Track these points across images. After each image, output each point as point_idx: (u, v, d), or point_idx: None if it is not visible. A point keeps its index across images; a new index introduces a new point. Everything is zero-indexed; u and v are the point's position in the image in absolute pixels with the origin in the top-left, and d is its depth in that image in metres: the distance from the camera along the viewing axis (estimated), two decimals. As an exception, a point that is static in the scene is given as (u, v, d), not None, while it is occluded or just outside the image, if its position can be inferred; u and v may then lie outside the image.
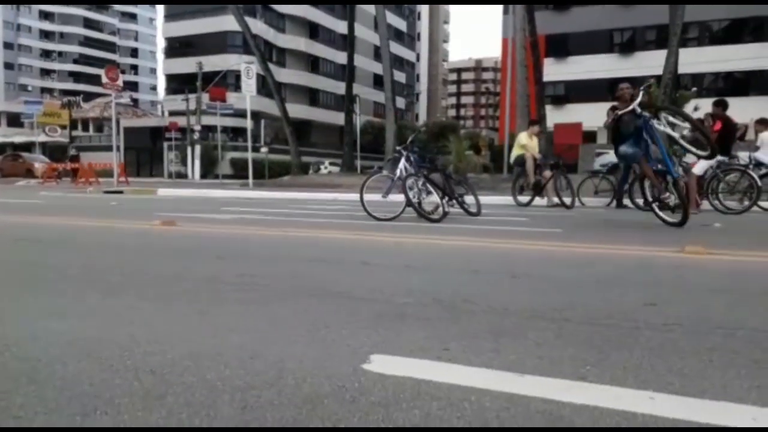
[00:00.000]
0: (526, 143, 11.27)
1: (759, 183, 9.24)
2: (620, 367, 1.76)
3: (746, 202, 9.18)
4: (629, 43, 39.87)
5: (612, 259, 4.28)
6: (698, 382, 1.63)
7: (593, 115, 33.04)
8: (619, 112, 6.72)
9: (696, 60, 32.07)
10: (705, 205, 9.46)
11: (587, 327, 2.23)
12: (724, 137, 9.24)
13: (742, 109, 16.54)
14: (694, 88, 32.38)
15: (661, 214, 6.63)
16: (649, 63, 30.09)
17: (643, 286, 3.13)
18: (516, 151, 11.58)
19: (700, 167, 9.36)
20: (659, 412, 1.43)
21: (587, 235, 5.89)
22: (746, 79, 35.25)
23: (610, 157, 14.19)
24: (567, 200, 10.45)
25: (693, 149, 6.40)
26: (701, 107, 23.60)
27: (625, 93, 7.19)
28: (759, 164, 9.93)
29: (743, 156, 10.26)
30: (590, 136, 33.29)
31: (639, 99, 6.51)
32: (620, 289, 3.03)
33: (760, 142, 10.23)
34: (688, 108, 27.36)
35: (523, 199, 11.13)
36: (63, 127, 43.46)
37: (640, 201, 9.87)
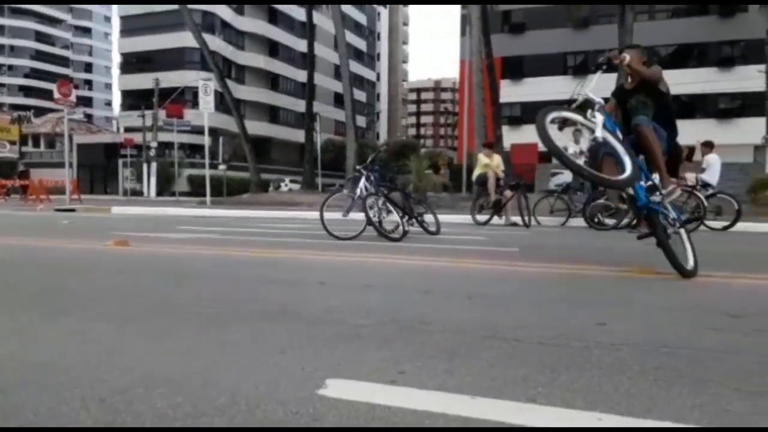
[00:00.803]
0: (489, 162, 11.48)
1: (705, 203, 9.61)
2: (570, 388, 1.80)
3: (694, 223, 9.52)
4: (582, 66, 40.98)
5: (565, 278, 4.38)
6: (644, 402, 1.68)
7: (549, 136, 33.89)
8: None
9: (645, 83, 33.23)
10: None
11: (539, 347, 2.28)
12: (671, 159, 9.60)
13: (688, 132, 17.19)
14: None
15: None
16: (601, 85, 31.04)
17: (594, 305, 3.21)
18: (478, 171, 11.78)
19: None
20: (606, 432, 1.47)
21: (542, 254, 6.01)
22: (692, 102, 36.69)
23: (565, 177, 14.56)
24: (519, 219, 10.71)
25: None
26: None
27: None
28: (705, 185, 10.33)
29: (690, 177, 10.66)
30: (546, 157, 34.03)
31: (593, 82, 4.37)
32: (572, 309, 3.10)
33: (706, 164, 10.66)
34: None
35: (482, 218, 11.29)
36: (12, 142, 42.16)
37: (594, 220, 10.19)
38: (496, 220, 11.21)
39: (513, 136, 32.56)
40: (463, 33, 40.36)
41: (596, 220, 10.19)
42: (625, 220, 10.02)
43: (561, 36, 39.74)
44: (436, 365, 2.02)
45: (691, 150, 11.02)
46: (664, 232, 4.21)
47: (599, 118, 4.08)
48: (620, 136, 4.30)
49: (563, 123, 4.28)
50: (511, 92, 38.84)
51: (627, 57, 4.34)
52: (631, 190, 4.29)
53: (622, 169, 4.09)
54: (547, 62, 40.23)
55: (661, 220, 4.28)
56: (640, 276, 4.31)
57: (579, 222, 10.74)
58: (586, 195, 10.92)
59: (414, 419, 1.53)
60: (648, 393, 1.76)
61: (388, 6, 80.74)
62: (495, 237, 8.31)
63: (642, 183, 4.30)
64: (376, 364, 2.04)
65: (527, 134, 36.56)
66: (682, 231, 4.45)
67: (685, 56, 38.11)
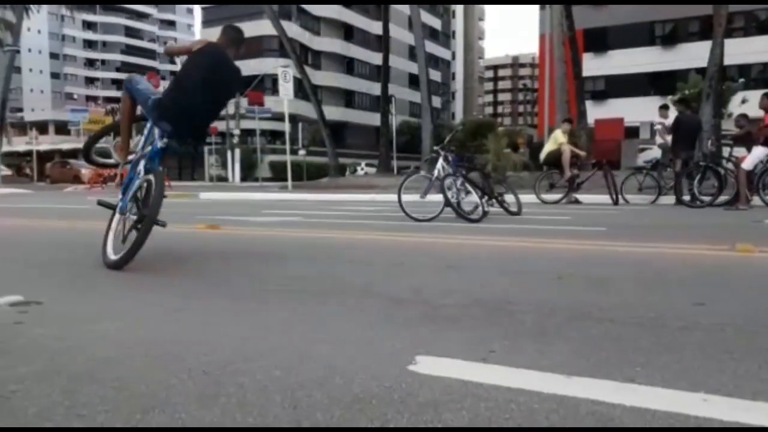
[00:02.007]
0: (564, 141, 11.07)
1: None
2: (670, 368, 1.74)
3: None
4: (671, 35, 38.85)
5: (659, 257, 4.20)
6: (753, 384, 1.60)
7: (635, 110, 32.40)
8: None
9: (743, 50, 31.06)
10: (756, 200, 9.17)
11: (635, 327, 2.20)
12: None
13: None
14: (741, 80, 31.39)
15: None
16: (693, 55, 29.28)
17: (691, 285, 3.06)
18: (550, 147, 11.36)
19: (749, 162, 9.09)
20: (713, 414, 1.40)
21: (633, 234, 5.78)
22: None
23: (654, 153, 13.92)
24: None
25: None
26: (749, 99, 22.90)
27: None
28: None
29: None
30: (633, 132, 32.58)
31: None
32: (668, 289, 2.97)
33: None
34: (735, 101, 26.61)
35: (549, 197, 10.96)
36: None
37: (687, 198, 9.68)
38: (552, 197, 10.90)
39: (597, 111, 31.30)
40: (542, 6, 39.02)
41: (691, 197, 9.66)
42: (723, 197, 9.47)
43: (647, 4, 37.61)
44: (527, 345, 2.00)
45: None
46: None
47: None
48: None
49: None
50: (594, 65, 37.28)
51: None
52: None
53: None
54: (633, 32, 38.28)
55: None
56: (740, 254, 4.07)
57: (669, 200, 10.24)
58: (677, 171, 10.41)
59: (508, 396, 1.52)
60: (757, 374, 1.67)
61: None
62: (580, 216, 8.07)
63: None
64: (464, 343, 2.03)
65: (612, 109, 35.16)
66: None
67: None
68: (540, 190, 11.17)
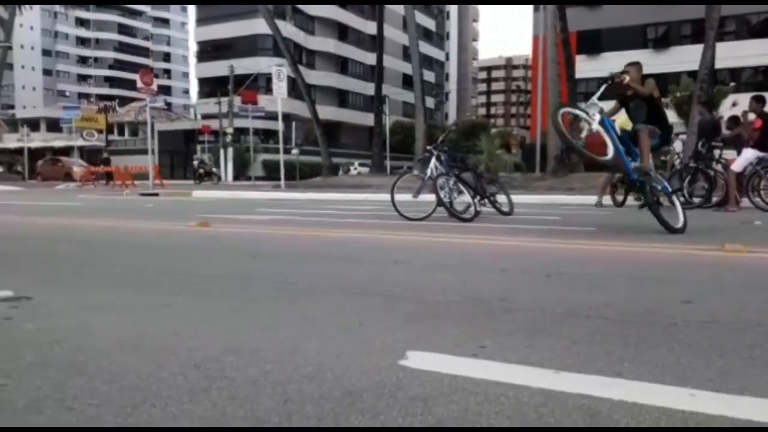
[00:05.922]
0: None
1: None
2: (658, 364, 1.75)
3: None
4: (664, 38, 39.08)
5: (648, 257, 4.23)
6: (739, 380, 1.62)
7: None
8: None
9: (734, 54, 31.29)
10: (745, 202, 9.24)
11: (623, 324, 2.22)
12: (764, 133, 9.03)
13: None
14: (732, 83, 31.62)
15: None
16: (685, 58, 29.49)
17: (680, 284, 3.09)
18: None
19: (739, 164, 9.15)
20: (700, 409, 1.42)
21: (622, 234, 5.82)
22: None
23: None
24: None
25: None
26: (739, 102, 23.06)
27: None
28: None
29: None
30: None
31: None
32: (657, 287, 2.99)
33: None
34: (726, 104, 26.81)
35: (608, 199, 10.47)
36: (100, 131, 44.52)
37: (680, 199, 9.70)
38: (584, 200, 10.90)
39: (588, 114, 31.39)
40: (536, 9, 39.13)
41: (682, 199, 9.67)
42: (715, 199, 9.51)
43: (640, 7, 37.82)
44: (517, 341, 2.01)
45: None
46: (651, 198, 5.73)
47: (597, 117, 5.55)
48: (615, 130, 5.73)
49: (574, 118, 5.88)
50: (587, 67, 37.33)
51: (627, 77, 5.79)
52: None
53: (606, 153, 5.51)
54: (626, 35, 38.46)
55: (648, 190, 5.75)
56: (730, 254, 4.10)
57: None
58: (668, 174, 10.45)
59: (497, 391, 1.54)
60: (743, 371, 1.69)
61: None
62: (570, 217, 8.11)
63: (631, 164, 5.74)
64: (455, 339, 2.05)
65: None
66: (674, 198, 5.96)
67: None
68: (603, 191, 10.56)
